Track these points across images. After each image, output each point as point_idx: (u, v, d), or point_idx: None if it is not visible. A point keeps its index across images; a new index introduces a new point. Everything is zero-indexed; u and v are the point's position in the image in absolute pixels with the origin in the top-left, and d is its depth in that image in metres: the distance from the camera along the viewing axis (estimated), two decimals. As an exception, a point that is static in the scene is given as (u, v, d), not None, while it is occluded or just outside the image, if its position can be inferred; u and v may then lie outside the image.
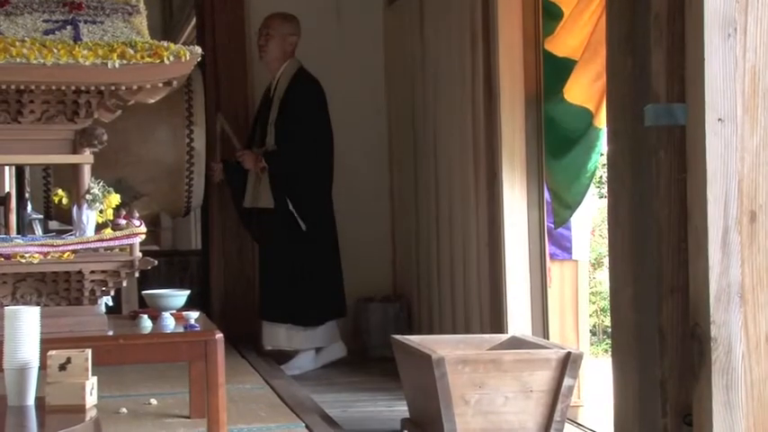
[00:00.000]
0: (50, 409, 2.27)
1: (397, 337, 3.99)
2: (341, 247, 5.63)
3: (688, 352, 2.47)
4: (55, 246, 3.38)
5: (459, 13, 4.89)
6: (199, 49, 3.47)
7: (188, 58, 3.41)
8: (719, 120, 2.41)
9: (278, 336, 5.45)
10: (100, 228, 3.50)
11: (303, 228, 5.35)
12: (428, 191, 5.48)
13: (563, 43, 4.22)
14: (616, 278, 2.82)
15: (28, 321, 2.32)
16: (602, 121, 3.98)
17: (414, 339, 3.94)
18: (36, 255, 3.35)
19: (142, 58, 3.35)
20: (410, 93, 5.78)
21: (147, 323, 3.55)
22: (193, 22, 7.41)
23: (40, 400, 2.32)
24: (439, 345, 3.80)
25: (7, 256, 3.34)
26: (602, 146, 4.05)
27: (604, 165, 4.20)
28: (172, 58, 3.38)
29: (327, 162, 5.50)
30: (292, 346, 5.45)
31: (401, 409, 4.10)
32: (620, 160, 2.79)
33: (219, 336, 3.40)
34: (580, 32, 4.10)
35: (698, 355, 2.43)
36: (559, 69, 4.21)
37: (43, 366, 2.33)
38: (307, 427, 3.85)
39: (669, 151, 2.53)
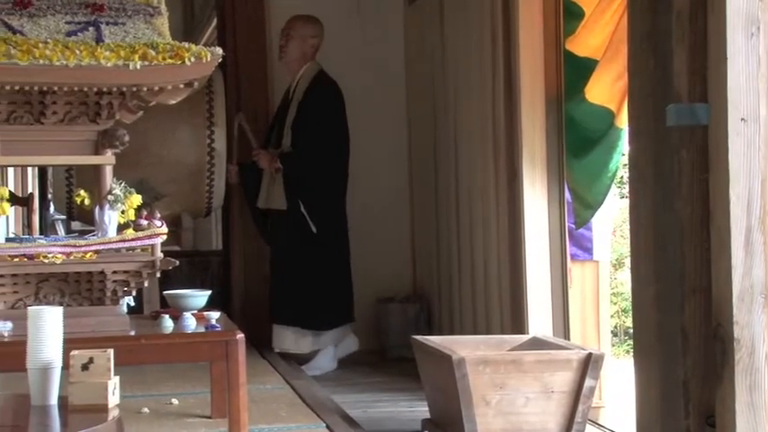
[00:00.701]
0: (73, 408, 2.28)
1: (418, 337, 3.99)
2: (360, 247, 5.63)
3: (711, 352, 2.46)
4: (77, 246, 3.41)
5: (479, 12, 4.88)
6: (220, 50, 3.48)
7: (209, 59, 3.42)
8: (742, 119, 2.39)
9: (286, 339, 5.45)
10: (122, 228, 3.52)
11: (314, 230, 5.34)
12: (448, 190, 5.47)
13: (584, 43, 4.20)
14: (638, 278, 2.81)
15: (51, 321, 2.34)
16: (623, 121, 3.96)
17: (434, 340, 3.94)
18: (59, 255, 3.37)
19: (163, 59, 3.37)
20: (430, 92, 5.77)
21: (168, 323, 3.57)
22: (214, 23, 7.43)
23: (62, 400, 2.33)
24: (459, 345, 3.79)
25: (30, 257, 3.37)
26: (624, 146, 4.03)
27: (625, 165, 4.18)
28: (193, 60, 3.39)
29: (342, 166, 5.49)
30: (300, 349, 5.44)
31: (422, 410, 4.09)
32: (642, 160, 2.78)
33: (240, 336, 3.41)
34: (601, 32, 4.08)
35: (721, 355, 2.41)
36: (580, 69, 4.20)
37: (66, 366, 2.34)
38: (327, 427, 3.86)
39: (691, 151, 2.51)
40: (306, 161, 5.37)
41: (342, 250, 5.52)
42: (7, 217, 3.57)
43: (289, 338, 5.44)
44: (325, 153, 5.40)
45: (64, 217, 7.15)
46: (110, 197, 3.49)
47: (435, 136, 5.71)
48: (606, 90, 4.06)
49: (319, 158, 5.37)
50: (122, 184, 3.53)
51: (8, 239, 3.46)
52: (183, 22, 9.65)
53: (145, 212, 3.54)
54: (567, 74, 4.33)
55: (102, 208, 3.50)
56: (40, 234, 5.00)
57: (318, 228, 5.35)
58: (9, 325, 3.31)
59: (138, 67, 3.34)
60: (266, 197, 5.52)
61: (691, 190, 2.51)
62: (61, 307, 2.40)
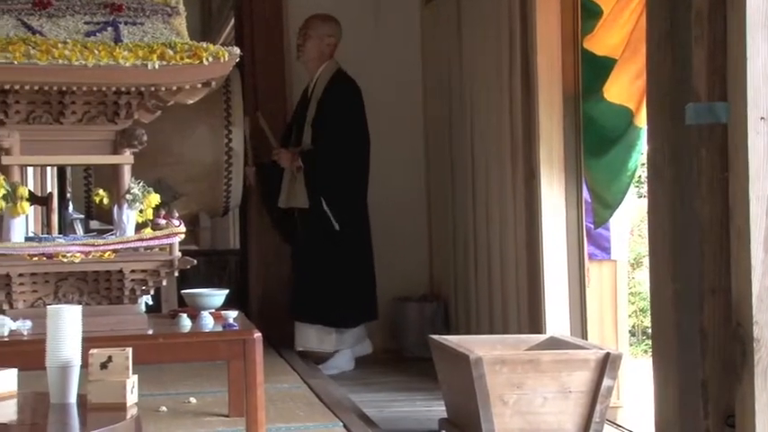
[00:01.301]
0: (92, 406, 2.29)
1: (435, 336, 3.98)
2: (377, 246, 5.63)
3: (730, 352, 2.45)
4: (96, 245, 3.42)
5: (496, 11, 4.87)
6: (237, 50, 3.49)
7: (226, 58, 3.43)
8: (762, 118, 2.38)
9: (309, 337, 5.46)
10: (140, 227, 3.53)
11: (336, 228, 5.35)
12: (465, 190, 5.46)
13: (602, 42, 4.19)
14: (657, 278, 2.79)
15: (70, 320, 2.35)
16: (642, 120, 3.95)
17: (451, 339, 3.93)
18: (77, 254, 3.39)
19: (181, 59, 3.38)
20: (447, 92, 5.76)
21: (186, 322, 3.58)
22: (232, 22, 7.45)
23: (81, 398, 2.34)
24: (476, 345, 3.79)
25: (49, 256, 3.38)
26: (643, 145, 4.01)
27: (644, 164, 4.16)
28: (211, 59, 3.40)
29: (363, 163, 5.50)
30: (323, 348, 5.45)
31: (438, 409, 4.09)
32: (661, 159, 2.77)
33: (258, 335, 3.42)
34: (620, 31, 4.06)
35: (740, 355, 2.40)
36: (599, 68, 4.18)
37: (85, 365, 2.35)
38: (344, 426, 3.86)
39: (710, 150, 2.50)
40: (327, 158, 5.38)
41: (364, 248, 5.52)
42: (27, 216, 3.58)
43: (312, 337, 5.46)
44: (346, 150, 5.41)
45: (82, 216, 7.18)
46: (128, 196, 3.50)
47: (452, 135, 5.71)
48: (625, 89, 4.04)
49: (340, 156, 5.39)
50: (141, 184, 3.54)
51: (28, 239, 3.48)
52: (200, 21, 9.68)
53: (163, 212, 3.55)
54: (586, 73, 4.32)
55: (120, 207, 3.51)
56: (59, 233, 5.02)
57: (341, 225, 5.36)
58: (28, 324, 3.32)
59: (157, 66, 3.35)
60: (287, 196, 5.54)
61: (710, 189, 2.50)
62: (80, 306, 2.41)
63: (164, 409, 4.08)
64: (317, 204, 5.37)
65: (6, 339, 3.20)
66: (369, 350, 5.56)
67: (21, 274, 3.38)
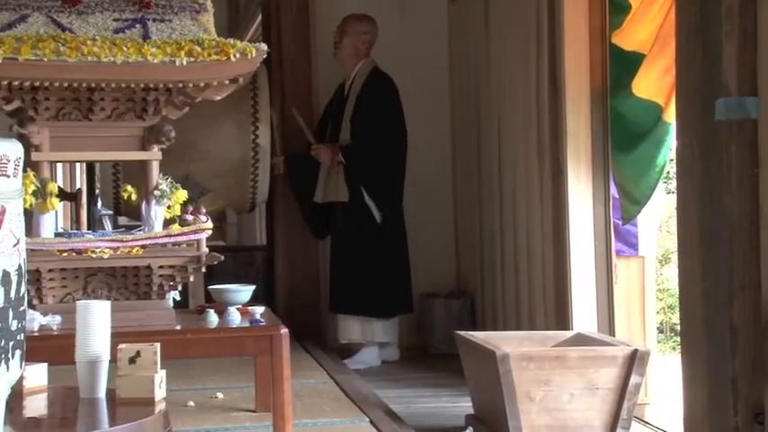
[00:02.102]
0: (121, 401, 2.31)
1: (461, 333, 3.98)
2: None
3: (760, 349, 2.42)
4: (124, 241, 3.44)
5: (524, 7, 4.85)
6: (264, 46, 3.49)
7: (254, 55, 3.44)
8: (793, 113, 2.35)
9: (353, 329, 5.50)
10: (168, 223, 3.55)
11: (378, 220, 5.43)
12: (492, 186, 5.45)
13: (631, 37, 4.16)
14: (686, 275, 2.77)
15: (99, 315, 2.36)
16: (671, 116, 3.92)
17: (478, 336, 3.93)
18: (106, 250, 3.41)
19: (209, 55, 3.39)
20: (474, 88, 5.75)
21: (213, 318, 3.59)
22: (259, 19, 7.47)
23: (110, 393, 2.35)
24: (503, 341, 3.78)
25: (79, 251, 3.41)
26: (672, 140, 3.98)
27: (673, 160, 4.13)
28: (238, 56, 3.41)
29: (401, 158, 5.61)
30: (366, 338, 5.49)
31: (465, 405, 4.09)
32: (690, 155, 2.74)
33: (284, 330, 3.42)
34: (648, 26, 4.03)
35: (770, 353, 2.38)
36: (627, 63, 4.15)
37: (114, 359, 2.36)
38: (371, 421, 3.86)
39: (740, 145, 2.48)
40: (367, 153, 5.47)
41: (402, 240, 5.63)
42: (56, 212, 3.60)
43: (356, 328, 5.50)
44: (385, 145, 5.52)
45: (111, 212, 7.23)
46: (156, 192, 3.52)
47: (479, 131, 5.69)
48: (654, 84, 4.01)
49: (380, 150, 5.49)
50: (168, 180, 3.56)
51: (57, 234, 3.51)
52: (228, 18, 9.71)
53: (190, 208, 3.57)
54: (614, 68, 4.29)
55: (148, 203, 3.53)
56: (88, 229, 5.06)
57: (382, 218, 5.44)
58: (58, 319, 3.35)
59: (185, 63, 3.37)
60: (324, 191, 5.60)
61: (740, 185, 2.48)
62: (109, 301, 2.42)
63: (191, 403, 4.10)
64: (359, 198, 5.42)
65: (36, 334, 3.23)
66: (395, 357, 5.58)
67: (50, 270, 3.41)
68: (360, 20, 5.66)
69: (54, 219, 3.54)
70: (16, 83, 3.34)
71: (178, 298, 3.69)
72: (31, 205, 3.36)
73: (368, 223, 5.44)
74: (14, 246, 2.15)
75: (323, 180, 5.60)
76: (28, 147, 3.35)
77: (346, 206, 5.50)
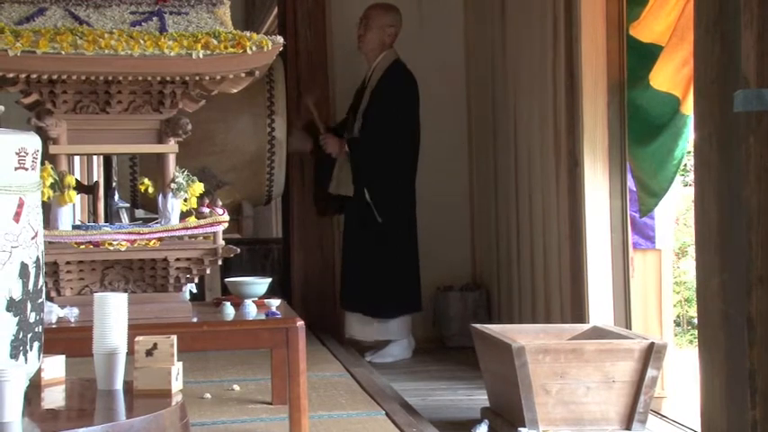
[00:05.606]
0: (138, 393, 2.32)
1: (477, 326, 3.98)
2: (421, 236, 5.62)
3: (778, 344, 2.41)
4: (141, 234, 3.45)
5: (540, -1, 4.84)
6: (280, 39, 3.49)
7: (270, 47, 3.44)
8: (812, 105, 2.34)
9: (353, 325, 5.49)
10: (184, 216, 3.56)
11: (379, 220, 5.36)
12: (508, 179, 5.44)
13: (648, 29, 4.14)
14: (703, 268, 2.76)
15: (116, 308, 2.37)
16: (689, 108, 3.90)
17: (494, 328, 3.92)
18: (123, 242, 3.43)
19: (225, 48, 3.40)
20: (490, 80, 5.74)
21: (229, 310, 3.61)
22: (275, 12, 7.47)
23: (127, 385, 2.36)
24: (519, 334, 3.78)
25: (96, 244, 3.42)
26: (690, 133, 3.96)
27: (690, 152, 4.11)
28: (254, 48, 3.41)
29: (410, 155, 5.49)
30: (365, 337, 5.48)
31: (481, 398, 4.09)
32: (708, 147, 2.73)
33: (300, 323, 3.43)
34: (666, 17, 4.01)
35: (788, 346, 2.36)
36: (645, 55, 4.14)
37: (131, 352, 2.37)
38: (387, 414, 3.87)
39: (759, 138, 2.46)
40: (371, 147, 5.39)
41: (408, 240, 5.51)
42: (73, 205, 3.62)
43: (355, 325, 5.49)
44: (392, 140, 5.41)
45: (128, 205, 7.26)
46: (173, 185, 3.53)
47: (495, 124, 5.68)
48: (671, 76, 3.99)
49: (385, 146, 5.39)
50: (185, 173, 3.57)
51: (74, 227, 3.52)
52: (244, 11, 9.72)
53: (207, 200, 3.58)
54: (631, 60, 4.27)
55: (165, 196, 3.54)
56: (105, 222, 5.09)
57: (385, 217, 5.37)
58: (75, 311, 3.37)
59: (201, 56, 3.37)
60: (336, 183, 5.57)
61: (758, 178, 2.46)
62: (126, 293, 2.43)
63: (208, 396, 4.11)
64: (361, 195, 5.39)
65: (54, 326, 3.25)
66: (407, 355, 5.54)
67: (68, 262, 3.42)
68: (386, 11, 5.55)
69: (71, 211, 3.56)
70: (34, 76, 3.36)
71: (194, 290, 3.70)
72: (48, 198, 3.37)
73: (370, 221, 5.37)
74: (32, 238, 2.16)
75: (336, 171, 5.56)
76: (46, 140, 3.37)
77: (350, 201, 5.46)
